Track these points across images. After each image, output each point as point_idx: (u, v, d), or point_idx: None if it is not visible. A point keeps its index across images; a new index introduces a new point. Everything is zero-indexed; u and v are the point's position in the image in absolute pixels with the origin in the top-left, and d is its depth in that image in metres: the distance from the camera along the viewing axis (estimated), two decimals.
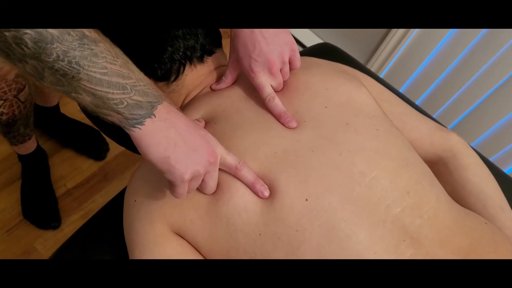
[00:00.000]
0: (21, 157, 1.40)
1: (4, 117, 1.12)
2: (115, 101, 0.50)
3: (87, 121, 1.16)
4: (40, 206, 1.41)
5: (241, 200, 0.60)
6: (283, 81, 0.69)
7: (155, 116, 0.53)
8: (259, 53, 0.65)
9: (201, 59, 0.73)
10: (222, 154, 0.59)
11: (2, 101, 1.07)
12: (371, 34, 1.59)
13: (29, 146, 1.36)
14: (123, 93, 0.51)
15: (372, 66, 1.61)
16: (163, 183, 0.62)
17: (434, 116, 1.46)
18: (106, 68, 0.49)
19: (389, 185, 0.60)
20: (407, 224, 0.59)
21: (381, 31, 1.55)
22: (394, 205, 0.59)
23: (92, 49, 0.48)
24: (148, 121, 0.52)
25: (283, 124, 0.65)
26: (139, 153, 0.55)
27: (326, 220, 0.57)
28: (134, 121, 0.52)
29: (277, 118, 0.65)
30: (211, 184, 0.59)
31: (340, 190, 0.59)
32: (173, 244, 0.62)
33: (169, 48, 0.70)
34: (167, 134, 0.54)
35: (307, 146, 0.62)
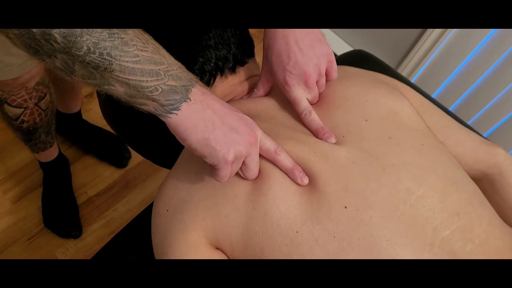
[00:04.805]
0: (42, 165, 1.39)
1: (25, 125, 1.11)
2: (149, 89, 0.49)
3: (109, 128, 1.14)
4: (61, 215, 1.39)
5: (280, 190, 0.56)
6: (319, 93, 0.65)
7: (190, 100, 0.51)
8: (294, 65, 0.62)
9: (233, 70, 0.70)
10: (261, 137, 0.57)
11: (23, 109, 1.06)
12: (403, 38, 1.54)
13: (51, 154, 1.35)
14: (157, 80, 0.49)
15: (403, 71, 1.56)
16: (196, 185, 0.60)
17: (469, 122, 1.40)
18: (138, 56, 0.47)
19: (437, 205, 0.56)
20: (457, 249, 0.55)
21: (414, 34, 1.50)
22: (443, 227, 0.55)
23: (122, 38, 0.46)
24: (184, 105, 0.51)
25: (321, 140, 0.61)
26: (159, 164, 0.52)
27: (367, 234, 0.53)
28: (170, 107, 0.50)
29: (315, 133, 0.62)
30: (253, 167, 0.57)
31: (383, 206, 0.55)
32: (204, 250, 0.58)
33: (200, 59, 0.67)
34: (204, 116, 0.52)
35: (347, 158, 0.58)
